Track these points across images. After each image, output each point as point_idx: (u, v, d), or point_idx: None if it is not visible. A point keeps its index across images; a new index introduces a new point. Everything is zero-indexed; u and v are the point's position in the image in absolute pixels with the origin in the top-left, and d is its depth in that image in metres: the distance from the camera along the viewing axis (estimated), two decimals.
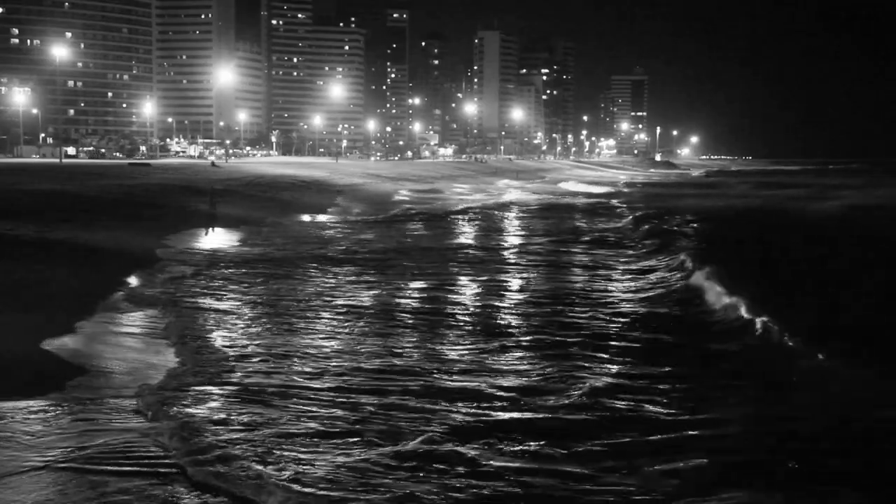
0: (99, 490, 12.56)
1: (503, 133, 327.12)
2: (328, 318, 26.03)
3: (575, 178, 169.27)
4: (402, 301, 29.37)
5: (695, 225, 59.66)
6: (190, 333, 23.30)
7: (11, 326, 21.73)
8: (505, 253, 44.76)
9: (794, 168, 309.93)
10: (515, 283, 33.69)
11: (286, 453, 14.12)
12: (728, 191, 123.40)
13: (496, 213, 75.92)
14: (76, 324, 22.81)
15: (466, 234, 56.54)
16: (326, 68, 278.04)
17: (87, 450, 14.12)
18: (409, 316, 26.58)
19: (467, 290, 32.04)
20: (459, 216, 71.12)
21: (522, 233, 57.48)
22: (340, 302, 28.89)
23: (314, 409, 16.67)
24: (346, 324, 25.17)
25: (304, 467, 13.57)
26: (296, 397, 17.42)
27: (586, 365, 20.10)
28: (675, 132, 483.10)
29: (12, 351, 19.53)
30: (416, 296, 30.63)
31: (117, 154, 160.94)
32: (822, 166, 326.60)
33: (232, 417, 16.11)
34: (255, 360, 20.62)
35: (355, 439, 14.86)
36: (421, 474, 13.22)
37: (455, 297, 30.40)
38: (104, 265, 33.62)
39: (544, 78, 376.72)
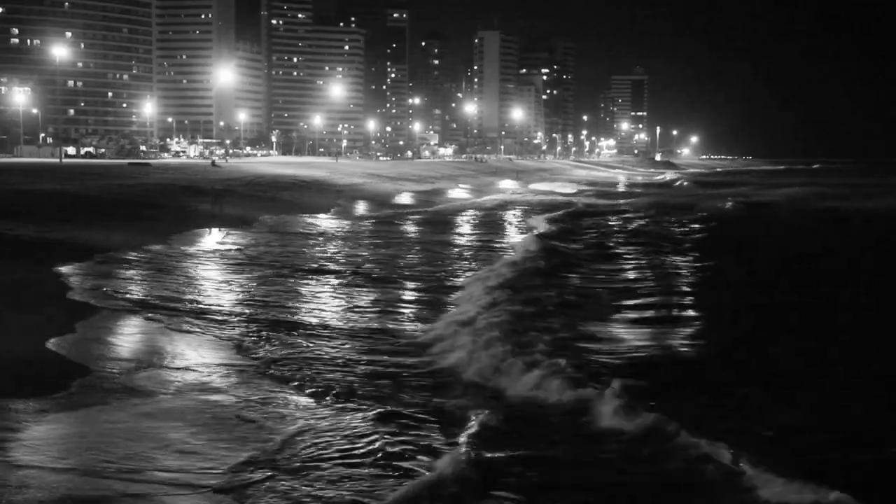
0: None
1: (503, 133, 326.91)
2: (321, 311, 26.17)
3: (571, 180, 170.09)
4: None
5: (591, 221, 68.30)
6: (193, 329, 23.37)
7: (15, 326, 21.76)
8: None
9: (781, 168, 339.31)
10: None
11: None
12: (674, 191, 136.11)
13: (459, 214, 76.61)
14: (76, 323, 22.84)
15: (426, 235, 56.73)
16: (326, 68, 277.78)
17: (93, 450, 14.15)
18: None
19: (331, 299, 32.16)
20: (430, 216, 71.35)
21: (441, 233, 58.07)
22: (335, 298, 29.13)
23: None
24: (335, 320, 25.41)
25: None
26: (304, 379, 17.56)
27: None
28: (675, 132, 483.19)
29: (12, 351, 19.55)
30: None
31: (119, 153, 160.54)
32: (808, 166, 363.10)
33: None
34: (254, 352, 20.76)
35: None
36: None
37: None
38: (105, 265, 33.66)
39: (544, 78, 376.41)
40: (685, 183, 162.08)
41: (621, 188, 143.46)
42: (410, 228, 60.01)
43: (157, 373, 19.18)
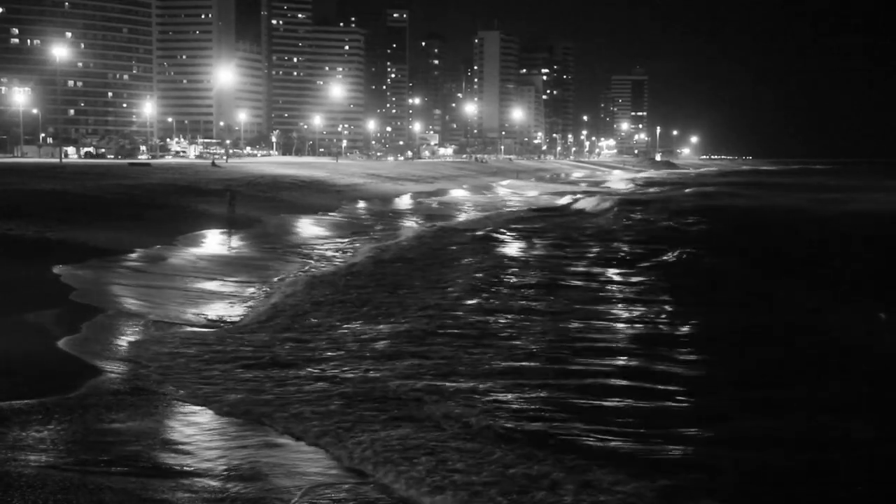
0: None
1: (503, 133, 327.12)
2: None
3: (566, 181, 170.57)
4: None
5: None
6: (197, 329, 23.34)
7: (17, 326, 21.72)
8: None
9: (772, 168, 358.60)
10: None
11: None
12: (604, 189, 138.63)
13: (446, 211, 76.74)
14: (82, 324, 22.79)
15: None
16: (326, 68, 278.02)
17: (104, 450, 14.11)
18: None
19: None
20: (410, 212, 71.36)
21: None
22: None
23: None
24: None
25: None
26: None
27: None
28: (675, 132, 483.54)
29: (14, 351, 19.54)
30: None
31: (119, 153, 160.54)
32: (792, 166, 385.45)
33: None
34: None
35: None
36: None
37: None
38: (107, 266, 33.61)
39: (544, 78, 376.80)
40: (630, 185, 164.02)
41: (576, 187, 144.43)
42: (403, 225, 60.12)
43: (161, 373, 19.16)
